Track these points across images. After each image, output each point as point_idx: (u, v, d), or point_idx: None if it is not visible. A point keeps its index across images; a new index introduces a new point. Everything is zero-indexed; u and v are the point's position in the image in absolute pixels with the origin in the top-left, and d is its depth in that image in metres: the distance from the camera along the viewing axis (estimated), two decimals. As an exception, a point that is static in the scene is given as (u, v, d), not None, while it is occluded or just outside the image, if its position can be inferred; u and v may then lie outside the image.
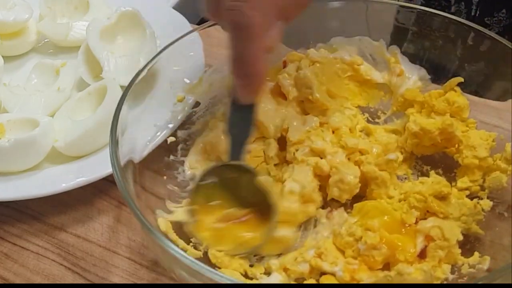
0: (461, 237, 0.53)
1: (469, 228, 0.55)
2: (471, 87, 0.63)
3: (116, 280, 0.59)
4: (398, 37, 0.67)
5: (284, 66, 0.65)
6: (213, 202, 0.57)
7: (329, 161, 0.58)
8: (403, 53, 0.66)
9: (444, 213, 0.55)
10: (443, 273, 0.52)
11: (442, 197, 0.56)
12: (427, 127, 0.59)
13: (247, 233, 0.55)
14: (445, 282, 0.52)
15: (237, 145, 0.57)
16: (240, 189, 0.57)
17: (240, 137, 0.57)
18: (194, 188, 0.58)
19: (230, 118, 0.57)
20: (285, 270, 0.54)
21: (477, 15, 0.91)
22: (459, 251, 0.53)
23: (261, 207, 0.56)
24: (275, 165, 0.62)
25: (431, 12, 0.64)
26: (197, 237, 0.55)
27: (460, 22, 0.62)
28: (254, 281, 0.53)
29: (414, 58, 0.66)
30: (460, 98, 0.61)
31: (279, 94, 0.65)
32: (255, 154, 0.63)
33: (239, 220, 0.56)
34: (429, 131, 0.59)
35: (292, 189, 0.57)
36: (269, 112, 0.63)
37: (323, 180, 0.59)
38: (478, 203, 0.56)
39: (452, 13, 0.79)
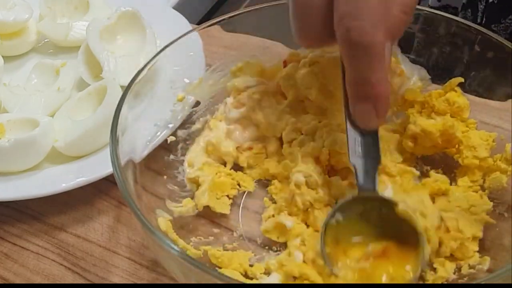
0: (479, 234, 0.53)
1: (481, 218, 0.54)
2: (474, 89, 0.63)
3: (116, 280, 0.59)
4: (405, 43, 0.66)
5: (285, 66, 0.65)
6: (347, 239, 0.52)
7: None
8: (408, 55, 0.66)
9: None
10: (446, 273, 0.52)
11: (443, 194, 0.56)
12: (428, 128, 0.59)
13: (394, 267, 0.51)
14: (445, 282, 0.52)
15: (367, 174, 0.51)
16: (374, 221, 0.52)
17: (368, 164, 0.51)
18: (323, 229, 0.52)
19: (352, 147, 0.52)
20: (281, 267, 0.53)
21: (483, 21, 0.91)
22: (476, 248, 0.52)
23: (399, 237, 0.51)
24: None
25: (438, 14, 0.63)
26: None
27: (467, 25, 0.62)
28: (254, 281, 0.53)
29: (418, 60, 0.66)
30: (460, 99, 0.61)
31: (279, 93, 0.65)
32: (256, 151, 0.63)
33: (381, 254, 0.51)
34: (430, 132, 0.59)
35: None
36: (268, 112, 0.63)
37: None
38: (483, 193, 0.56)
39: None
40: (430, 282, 0.52)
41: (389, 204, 0.51)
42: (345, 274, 0.51)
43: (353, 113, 0.50)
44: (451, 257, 0.53)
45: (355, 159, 0.52)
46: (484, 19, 0.91)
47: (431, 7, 0.99)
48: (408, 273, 0.50)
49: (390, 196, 0.54)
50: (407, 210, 0.51)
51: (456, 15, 0.92)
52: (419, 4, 0.86)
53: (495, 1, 0.89)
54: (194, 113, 0.66)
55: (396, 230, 0.51)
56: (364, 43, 0.45)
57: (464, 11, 0.93)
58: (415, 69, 0.65)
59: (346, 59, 0.47)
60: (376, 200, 0.52)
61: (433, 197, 0.56)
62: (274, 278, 0.52)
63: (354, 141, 0.52)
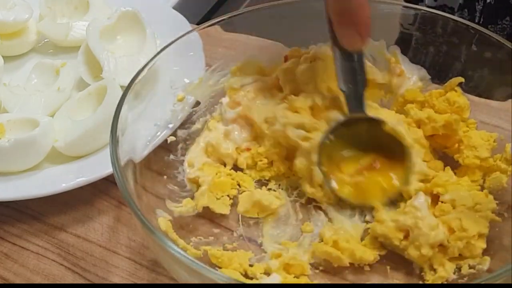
0: (485, 231, 0.53)
1: (486, 216, 0.55)
2: (473, 89, 0.63)
3: (116, 280, 0.59)
4: (404, 43, 0.67)
5: (285, 61, 0.65)
6: (340, 156, 0.59)
7: None
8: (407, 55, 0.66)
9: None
10: (446, 273, 0.52)
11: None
12: (433, 116, 0.60)
13: (386, 179, 0.57)
14: (445, 282, 0.52)
15: (355, 97, 0.58)
16: (365, 140, 0.58)
17: (356, 88, 0.58)
18: (318, 149, 0.58)
19: (340, 71, 0.57)
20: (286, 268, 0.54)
21: (480, 22, 0.91)
22: (483, 245, 0.53)
23: (388, 153, 0.58)
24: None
25: (435, 13, 0.63)
26: (343, 196, 0.57)
27: (465, 24, 0.62)
28: (254, 281, 0.53)
29: (417, 59, 0.66)
30: (460, 98, 0.61)
31: (276, 87, 0.66)
32: (254, 151, 0.64)
33: (373, 167, 0.58)
34: (434, 119, 0.60)
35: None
36: (262, 109, 0.64)
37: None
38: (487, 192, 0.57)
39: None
40: (430, 282, 0.52)
41: (377, 123, 0.58)
42: (341, 187, 0.58)
43: (339, 38, 0.55)
44: (459, 257, 0.53)
45: (343, 84, 0.58)
46: (481, 19, 0.91)
47: (428, 7, 0.99)
48: (396, 184, 0.57)
49: (378, 117, 0.58)
50: (394, 127, 0.57)
51: (453, 15, 0.92)
52: (416, 3, 0.86)
53: (492, 2, 0.89)
54: (194, 113, 0.66)
55: (385, 146, 0.58)
56: None
57: (460, 11, 0.93)
58: (415, 69, 0.65)
59: None
60: (365, 120, 0.58)
61: (436, 196, 0.57)
62: (274, 279, 0.52)
63: (341, 67, 0.57)
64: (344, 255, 0.54)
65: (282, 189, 0.62)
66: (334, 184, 0.58)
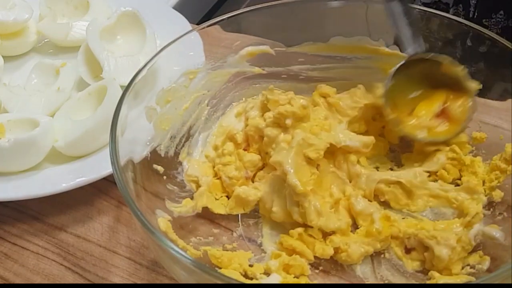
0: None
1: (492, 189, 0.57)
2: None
3: (116, 280, 0.59)
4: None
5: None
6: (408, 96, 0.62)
7: None
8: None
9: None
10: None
11: None
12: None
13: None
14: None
15: (414, 37, 0.60)
16: (430, 79, 0.61)
17: (411, 29, 0.60)
18: (385, 93, 0.61)
19: (393, 18, 0.61)
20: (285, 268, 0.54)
21: (475, 16, 0.91)
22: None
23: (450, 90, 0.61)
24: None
25: (431, 12, 0.64)
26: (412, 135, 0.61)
27: (460, 22, 0.62)
28: (253, 281, 0.53)
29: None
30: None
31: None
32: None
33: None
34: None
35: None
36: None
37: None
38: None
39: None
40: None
41: (437, 62, 0.60)
42: (417, 133, 0.61)
43: None
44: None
45: (400, 29, 0.61)
46: (475, 14, 0.91)
47: (423, 4, 0.99)
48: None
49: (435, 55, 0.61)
50: (453, 64, 0.60)
51: (448, 10, 0.92)
52: (412, 1, 0.86)
53: None
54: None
55: (446, 84, 0.61)
56: None
57: (455, 7, 0.93)
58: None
59: None
60: (426, 60, 0.61)
61: None
62: (274, 279, 0.52)
63: (394, 14, 0.61)
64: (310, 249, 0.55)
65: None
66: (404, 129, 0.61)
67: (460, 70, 0.60)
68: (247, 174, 0.62)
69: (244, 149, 0.64)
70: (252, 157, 0.62)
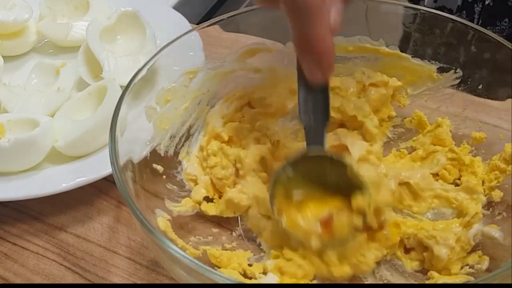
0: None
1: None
2: (473, 88, 0.63)
3: (116, 280, 0.59)
4: (406, 41, 0.67)
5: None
6: (296, 195, 0.54)
7: None
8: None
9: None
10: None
11: None
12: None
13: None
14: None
15: (316, 132, 0.54)
16: (324, 178, 0.54)
17: (318, 122, 0.54)
18: (272, 183, 0.55)
19: (302, 104, 0.54)
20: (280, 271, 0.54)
21: (479, 24, 0.91)
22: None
23: (345, 190, 0.53)
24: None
25: (435, 13, 0.63)
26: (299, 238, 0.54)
27: (464, 24, 0.62)
28: (253, 281, 0.53)
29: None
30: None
31: None
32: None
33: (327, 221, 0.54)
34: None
35: None
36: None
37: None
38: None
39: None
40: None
41: (335, 161, 0.54)
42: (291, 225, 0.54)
43: (299, 71, 0.52)
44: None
45: (305, 116, 0.54)
46: (479, 21, 0.91)
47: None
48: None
49: (337, 155, 0.55)
50: (352, 167, 0.53)
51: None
52: (417, 3, 0.85)
53: (491, 4, 0.89)
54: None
55: (344, 183, 0.53)
56: (301, 4, 0.47)
57: (459, 13, 0.92)
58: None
59: (290, 19, 0.49)
60: (324, 157, 0.54)
61: None
62: (272, 277, 0.52)
63: (304, 99, 0.54)
64: None
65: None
66: (284, 223, 0.54)
67: (357, 174, 0.53)
68: (236, 171, 0.61)
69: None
70: (236, 151, 0.61)
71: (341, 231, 0.53)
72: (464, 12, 0.92)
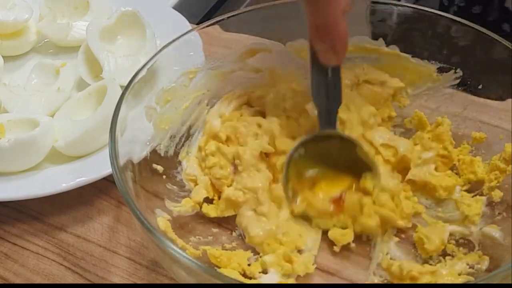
0: None
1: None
2: (473, 89, 0.63)
3: (116, 280, 0.59)
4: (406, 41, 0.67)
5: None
6: (309, 175, 0.58)
7: None
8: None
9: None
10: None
11: None
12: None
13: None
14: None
15: (328, 113, 0.57)
16: (334, 157, 0.58)
17: (330, 104, 0.57)
18: (286, 164, 0.58)
19: (315, 86, 0.57)
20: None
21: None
22: None
23: (359, 171, 0.57)
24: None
25: (435, 13, 0.63)
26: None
27: (465, 24, 0.62)
28: (252, 280, 0.53)
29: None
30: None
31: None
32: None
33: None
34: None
35: None
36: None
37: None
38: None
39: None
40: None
41: (346, 141, 0.57)
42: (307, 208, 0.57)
43: (316, 53, 0.55)
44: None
45: (319, 99, 0.57)
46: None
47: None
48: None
49: (348, 135, 0.58)
50: (363, 147, 0.57)
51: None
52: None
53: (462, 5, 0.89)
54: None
55: (356, 164, 0.57)
56: None
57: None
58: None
59: (306, 5, 0.51)
60: (336, 137, 0.57)
61: None
62: (272, 276, 0.52)
63: (317, 83, 0.57)
64: None
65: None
66: (298, 202, 0.58)
67: (369, 153, 0.57)
68: (234, 169, 0.61)
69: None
70: (235, 149, 0.61)
71: (352, 210, 0.56)
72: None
